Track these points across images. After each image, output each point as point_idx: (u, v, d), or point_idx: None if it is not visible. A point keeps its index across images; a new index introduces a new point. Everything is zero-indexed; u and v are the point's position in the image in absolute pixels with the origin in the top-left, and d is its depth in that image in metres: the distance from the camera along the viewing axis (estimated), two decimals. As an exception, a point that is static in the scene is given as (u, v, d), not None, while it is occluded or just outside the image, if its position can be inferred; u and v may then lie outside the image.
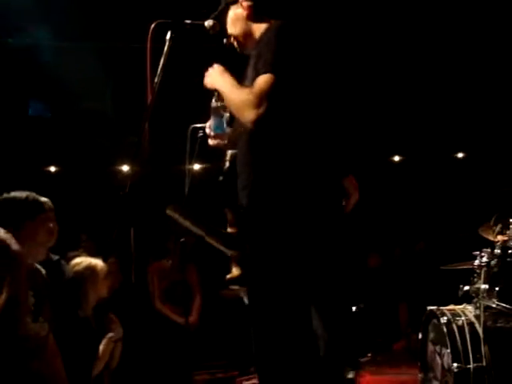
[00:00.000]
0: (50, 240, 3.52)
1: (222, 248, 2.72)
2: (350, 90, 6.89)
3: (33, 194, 3.35)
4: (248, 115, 2.53)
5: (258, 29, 2.80)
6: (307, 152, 2.62)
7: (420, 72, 7.29)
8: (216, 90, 2.77)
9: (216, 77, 2.75)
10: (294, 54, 2.62)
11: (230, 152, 2.84)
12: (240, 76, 2.86)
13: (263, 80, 2.52)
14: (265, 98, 2.50)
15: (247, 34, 2.85)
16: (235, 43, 2.89)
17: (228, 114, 2.82)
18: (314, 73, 2.70)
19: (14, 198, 3.30)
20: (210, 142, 2.87)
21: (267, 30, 2.71)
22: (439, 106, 7.68)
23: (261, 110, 2.49)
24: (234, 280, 2.74)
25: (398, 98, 7.62)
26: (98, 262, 4.12)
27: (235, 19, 2.86)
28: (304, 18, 2.92)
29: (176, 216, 2.60)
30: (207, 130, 2.88)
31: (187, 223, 2.65)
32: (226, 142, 2.84)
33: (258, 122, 2.50)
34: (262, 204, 2.56)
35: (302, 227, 2.53)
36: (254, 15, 2.83)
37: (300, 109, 2.62)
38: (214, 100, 2.83)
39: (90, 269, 4.05)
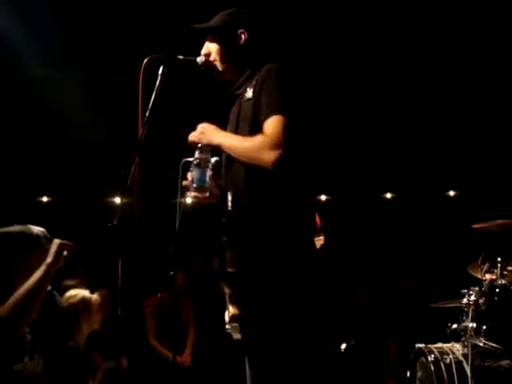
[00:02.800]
0: None
1: (223, 287, 2.73)
2: (338, 125, 6.96)
3: (29, 228, 3.31)
4: (269, 158, 2.55)
5: (244, 64, 2.85)
6: (307, 190, 2.70)
7: (412, 109, 7.35)
8: (198, 145, 2.78)
9: (213, 133, 2.77)
10: (295, 95, 2.68)
11: (230, 193, 2.84)
12: (222, 111, 2.90)
13: (275, 122, 2.58)
14: (282, 139, 2.54)
15: (232, 64, 2.88)
16: (217, 67, 2.90)
17: (211, 168, 2.82)
18: (308, 113, 2.76)
19: (8, 233, 3.26)
20: (191, 194, 2.82)
21: (265, 72, 2.73)
22: (431, 144, 7.74)
23: (281, 151, 2.53)
24: (233, 318, 2.74)
25: (390, 135, 7.67)
26: (92, 295, 4.11)
27: (227, 45, 2.87)
28: (293, 60, 2.96)
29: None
30: (186, 183, 2.85)
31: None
32: (207, 195, 2.80)
33: (280, 162, 2.53)
34: (263, 245, 2.60)
35: (302, 267, 2.58)
36: (247, 50, 2.86)
37: (302, 148, 2.69)
38: (197, 153, 2.82)
39: (85, 302, 4.04)
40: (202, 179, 2.80)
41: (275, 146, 2.54)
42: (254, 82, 2.76)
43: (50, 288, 3.69)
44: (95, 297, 4.11)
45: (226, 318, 2.75)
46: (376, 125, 7.52)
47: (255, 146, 2.60)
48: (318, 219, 2.81)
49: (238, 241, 2.69)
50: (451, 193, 8.80)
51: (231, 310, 2.74)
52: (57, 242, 3.14)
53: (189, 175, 2.86)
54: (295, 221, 2.62)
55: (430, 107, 7.33)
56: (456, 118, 7.42)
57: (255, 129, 2.67)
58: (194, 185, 2.81)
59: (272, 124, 2.57)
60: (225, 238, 2.76)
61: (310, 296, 2.58)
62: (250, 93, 2.74)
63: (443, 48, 6.50)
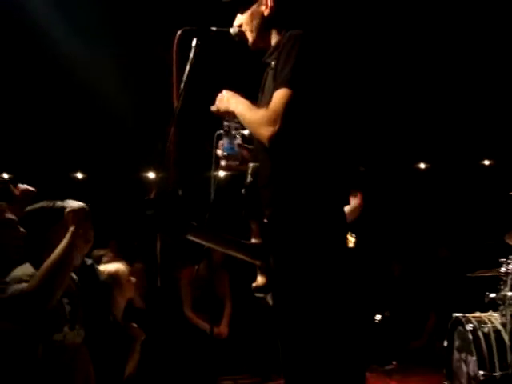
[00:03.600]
0: (85, 246, 3.54)
1: (247, 259, 2.74)
2: (371, 99, 6.89)
3: (52, 201, 3.34)
4: (264, 132, 2.51)
5: (275, 32, 2.79)
6: (328, 166, 2.63)
7: (448, 78, 7.25)
8: (227, 114, 2.77)
9: (229, 100, 2.74)
10: (313, 67, 2.60)
11: (251, 165, 2.84)
12: (258, 85, 2.88)
13: (279, 96, 2.51)
14: (280, 115, 2.48)
15: (261, 32, 2.82)
16: (248, 35, 2.86)
17: (239, 135, 2.82)
18: (332, 85, 2.68)
19: (42, 207, 3.31)
20: (222, 163, 2.83)
21: (286, 39, 2.67)
22: (466, 114, 7.64)
23: (277, 127, 2.48)
24: (260, 288, 2.75)
25: (424, 105, 7.58)
26: (119, 267, 4.15)
27: (255, 14, 2.81)
28: (323, 28, 2.91)
29: (196, 240, 2.62)
30: (219, 152, 2.86)
31: (209, 244, 2.69)
32: (237, 163, 2.81)
33: (274, 138, 2.49)
34: (286, 216, 2.56)
35: (325, 239, 2.54)
36: (273, 17, 2.80)
37: (319, 123, 2.61)
38: (224, 122, 2.82)
39: (113, 276, 4.08)
40: (230, 147, 2.82)
41: (272, 121, 2.49)
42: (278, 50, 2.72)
43: (91, 261, 3.75)
44: (122, 268, 4.15)
45: (253, 287, 2.77)
46: (409, 94, 7.43)
47: (256, 119, 2.58)
48: (359, 199, 2.79)
49: (259, 214, 2.67)
50: (486, 162, 8.68)
51: (258, 280, 2.75)
52: (68, 210, 3.17)
53: (220, 144, 2.86)
54: (319, 194, 2.57)
55: (464, 75, 7.22)
56: (489, 87, 7.31)
57: None
58: (225, 153, 2.82)
59: (276, 98, 2.52)
60: (244, 210, 2.77)
61: (337, 268, 2.54)
62: (273, 62, 2.70)
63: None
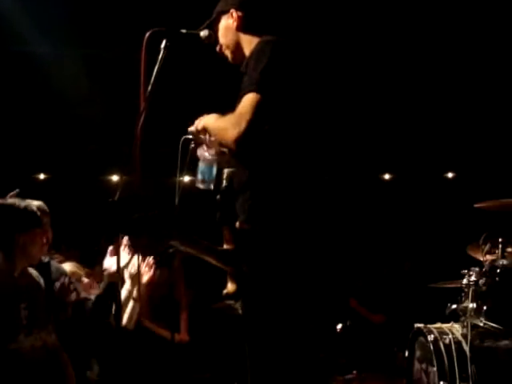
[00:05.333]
0: (44, 251, 3.50)
1: (218, 265, 2.71)
2: (338, 106, 6.92)
3: (30, 205, 3.30)
4: (230, 135, 2.50)
5: (248, 41, 2.79)
6: (299, 171, 2.61)
7: (412, 89, 7.31)
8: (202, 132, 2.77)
9: (201, 118, 2.77)
10: (282, 72, 2.58)
11: (226, 170, 2.82)
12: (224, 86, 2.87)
13: (246, 99, 2.50)
14: (247, 117, 2.47)
15: (236, 45, 2.83)
16: (226, 53, 2.88)
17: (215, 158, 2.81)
18: (301, 91, 2.67)
19: (13, 205, 3.25)
20: (199, 185, 2.82)
21: (256, 46, 2.68)
22: (430, 125, 7.71)
23: (242, 128, 2.46)
24: (230, 295, 2.72)
25: (390, 117, 7.64)
26: (70, 269, 4.07)
27: (225, 29, 2.84)
28: (294, 34, 2.90)
29: (172, 243, 2.60)
30: (198, 176, 2.83)
31: (179, 246, 2.66)
32: (211, 187, 2.79)
33: (240, 140, 2.48)
34: (260, 222, 2.55)
35: (300, 245, 2.53)
36: (243, 27, 2.81)
37: (287, 127, 2.60)
38: (203, 147, 2.81)
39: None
40: (207, 173, 2.82)
41: (237, 124, 2.48)
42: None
43: (47, 259, 3.69)
44: (72, 269, 4.09)
45: (223, 294, 2.74)
46: (375, 104, 7.47)
47: (223, 125, 2.58)
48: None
49: (232, 219, 2.65)
50: (449, 174, 8.78)
51: (229, 287, 2.72)
52: None
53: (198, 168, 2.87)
54: (292, 201, 2.56)
55: (427, 89, 7.29)
56: (453, 98, 7.39)
57: None
58: (200, 177, 2.81)
59: (243, 101, 2.51)
60: (218, 215, 2.74)
61: (310, 274, 2.54)
62: (244, 68, 2.70)
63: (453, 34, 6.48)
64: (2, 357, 2.98)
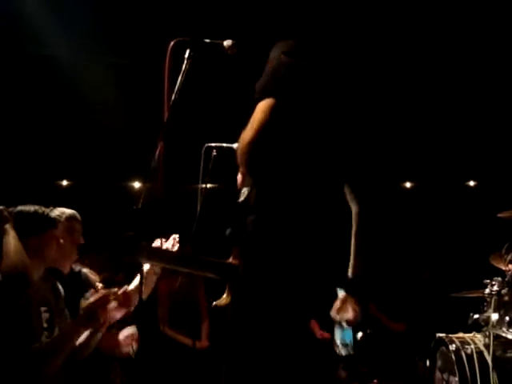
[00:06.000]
0: (71, 255, 3.53)
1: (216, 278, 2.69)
2: (360, 114, 6.90)
3: (42, 208, 3.33)
4: (244, 138, 2.48)
5: None
6: (307, 184, 2.58)
7: (435, 98, 7.29)
8: None
9: None
10: (293, 77, 2.58)
11: (244, 189, 2.83)
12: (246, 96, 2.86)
13: (258, 107, 2.50)
14: (255, 124, 2.45)
15: None
16: None
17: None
18: (315, 98, 2.65)
19: (24, 211, 3.29)
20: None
21: (273, 49, 2.72)
22: (453, 133, 7.68)
23: (256, 132, 2.44)
24: (219, 308, 2.70)
25: (411, 125, 7.61)
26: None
27: None
28: (313, 37, 2.90)
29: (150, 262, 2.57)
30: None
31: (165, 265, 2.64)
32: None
33: (254, 142, 2.45)
34: (261, 246, 2.52)
35: (298, 262, 2.50)
36: None
37: (300, 134, 2.58)
38: None
39: None
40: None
41: (251, 128, 2.46)
42: None
43: (78, 268, 3.72)
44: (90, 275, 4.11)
45: (212, 305, 2.72)
46: (397, 113, 7.46)
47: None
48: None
49: (240, 236, 2.64)
50: (471, 183, 8.73)
51: (222, 299, 2.71)
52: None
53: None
54: (296, 220, 2.52)
55: (453, 95, 7.27)
56: (477, 109, 7.36)
57: None
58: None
59: (257, 109, 2.50)
60: (229, 230, 2.73)
61: (296, 299, 2.51)
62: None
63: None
64: (26, 357, 3.02)
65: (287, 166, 2.54)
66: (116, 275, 4.40)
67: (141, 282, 3.65)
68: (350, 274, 2.71)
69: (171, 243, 3.94)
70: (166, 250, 2.60)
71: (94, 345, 3.35)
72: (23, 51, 6.32)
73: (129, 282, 5.36)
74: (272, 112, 2.46)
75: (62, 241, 3.41)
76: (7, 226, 3.07)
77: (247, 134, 2.46)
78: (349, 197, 2.79)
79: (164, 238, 3.69)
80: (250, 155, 2.45)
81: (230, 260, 2.70)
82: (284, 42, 2.77)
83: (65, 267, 3.54)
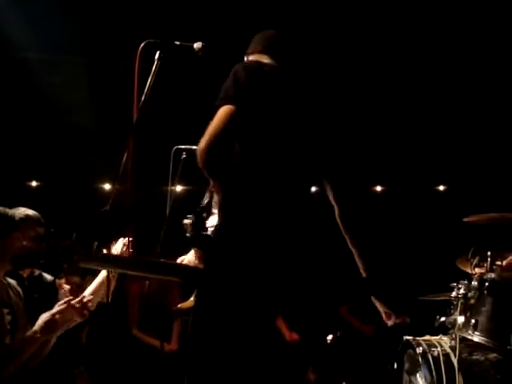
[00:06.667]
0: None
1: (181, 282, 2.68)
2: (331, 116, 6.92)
3: (5, 210, 3.30)
4: (200, 146, 2.47)
5: None
6: (269, 188, 2.57)
7: (403, 101, 7.34)
8: None
9: None
10: (254, 83, 2.56)
11: (207, 194, 2.83)
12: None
13: (217, 114, 2.50)
14: (212, 131, 2.45)
15: None
16: None
17: None
18: (277, 103, 2.63)
19: None
20: None
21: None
22: (423, 137, 7.74)
23: (211, 138, 2.44)
24: (182, 311, 2.68)
25: (381, 128, 7.66)
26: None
27: None
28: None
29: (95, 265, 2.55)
30: None
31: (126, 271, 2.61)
32: None
33: (206, 149, 2.44)
34: (222, 242, 2.52)
35: (262, 265, 2.48)
36: None
37: (262, 140, 2.57)
38: None
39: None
40: None
41: (207, 134, 2.46)
42: None
43: (38, 272, 3.70)
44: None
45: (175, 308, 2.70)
46: (366, 115, 7.49)
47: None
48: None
49: (203, 239, 2.62)
50: (441, 187, 8.82)
51: (186, 302, 2.69)
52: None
53: None
54: (260, 222, 2.52)
55: (421, 101, 7.33)
56: (445, 111, 7.43)
57: None
58: None
59: (216, 115, 2.50)
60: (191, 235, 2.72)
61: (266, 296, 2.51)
62: None
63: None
64: None
65: (247, 171, 2.54)
66: (83, 279, 4.37)
67: (108, 285, 3.66)
68: (363, 275, 2.75)
69: (120, 246, 3.93)
70: (123, 256, 2.58)
71: (46, 353, 3.31)
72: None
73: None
74: (231, 119, 2.46)
75: (24, 243, 3.38)
76: None
77: (203, 140, 2.45)
78: (330, 197, 2.80)
79: (114, 240, 3.69)
80: (206, 162, 2.44)
81: (196, 263, 2.69)
82: (259, 36, 2.76)
83: (24, 270, 3.51)
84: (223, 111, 2.48)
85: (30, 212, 3.53)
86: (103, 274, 3.73)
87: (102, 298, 3.92)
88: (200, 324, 2.47)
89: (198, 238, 2.56)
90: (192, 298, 2.65)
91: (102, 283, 3.82)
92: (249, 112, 2.50)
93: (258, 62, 2.64)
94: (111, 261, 2.57)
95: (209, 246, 2.54)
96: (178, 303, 5.99)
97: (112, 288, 4.01)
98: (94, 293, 3.82)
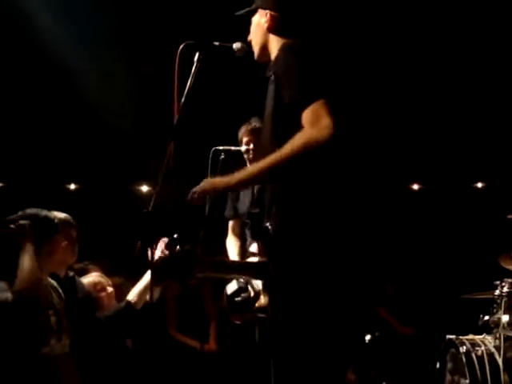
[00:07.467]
0: (71, 259, 3.55)
1: (251, 279, 2.70)
2: (368, 114, 6.89)
3: (45, 213, 3.35)
4: (321, 136, 2.41)
5: (276, 44, 2.77)
6: (339, 178, 2.59)
7: (443, 98, 7.27)
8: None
9: (215, 180, 2.71)
10: (319, 74, 2.56)
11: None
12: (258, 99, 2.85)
13: (316, 108, 2.45)
14: (325, 114, 2.43)
15: (264, 45, 2.82)
16: (254, 49, 2.87)
17: None
18: (336, 94, 2.62)
19: (35, 215, 3.30)
20: None
21: (282, 52, 2.66)
22: (460, 135, 7.65)
23: (332, 126, 2.40)
24: (262, 309, 2.71)
25: (418, 126, 7.59)
26: (92, 280, 4.10)
27: (257, 26, 2.83)
28: (324, 38, 2.88)
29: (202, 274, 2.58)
30: None
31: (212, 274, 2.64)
32: None
33: (333, 129, 2.40)
34: (289, 232, 2.51)
35: (330, 256, 2.49)
36: (274, 29, 2.78)
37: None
38: None
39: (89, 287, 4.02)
40: None
41: (320, 126, 2.41)
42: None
43: (72, 274, 3.74)
44: (95, 280, 4.11)
45: (255, 307, 2.72)
46: (403, 113, 7.43)
47: (300, 140, 2.44)
48: None
49: (265, 230, 2.62)
50: (479, 184, 8.70)
51: (261, 300, 2.71)
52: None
53: None
54: (328, 212, 2.52)
55: (460, 96, 7.24)
56: (484, 108, 7.33)
57: (278, 113, 2.59)
58: None
59: (310, 112, 2.45)
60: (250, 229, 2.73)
61: (337, 285, 2.50)
62: (271, 72, 2.67)
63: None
64: (36, 360, 3.04)
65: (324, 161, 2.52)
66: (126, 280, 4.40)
67: (151, 288, 3.69)
68: None
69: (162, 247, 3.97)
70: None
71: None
72: (31, 54, 6.32)
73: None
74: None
75: (64, 244, 3.42)
76: (27, 244, 3.11)
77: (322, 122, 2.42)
78: None
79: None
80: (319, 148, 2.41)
81: (258, 259, 2.70)
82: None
83: (62, 271, 3.55)
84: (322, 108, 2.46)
85: (63, 215, 3.57)
86: (147, 277, 3.76)
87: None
88: (284, 318, 2.48)
89: (260, 231, 2.58)
90: (262, 297, 2.66)
91: (146, 287, 3.85)
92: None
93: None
94: (222, 267, 2.60)
95: (269, 238, 2.54)
96: (212, 304, 6.05)
97: (159, 291, 4.05)
98: (139, 295, 3.87)
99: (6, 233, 3.15)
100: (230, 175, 2.64)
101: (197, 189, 2.70)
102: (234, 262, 2.69)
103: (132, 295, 3.88)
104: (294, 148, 2.43)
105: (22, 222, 3.16)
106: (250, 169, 2.60)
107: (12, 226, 3.14)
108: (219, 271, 2.61)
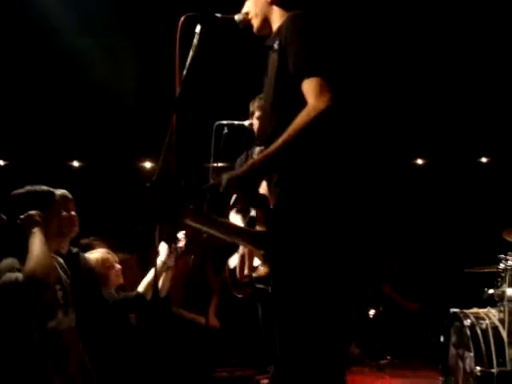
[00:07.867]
0: (70, 231, 3.54)
1: (250, 247, 2.67)
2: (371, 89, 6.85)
3: (42, 187, 3.35)
4: (320, 107, 2.36)
5: (278, 16, 2.71)
6: (341, 151, 2.55)
7: (446, 73, 7.22)
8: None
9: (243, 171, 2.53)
10: (325, 45, 2.51)
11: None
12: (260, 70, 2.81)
13: (315, 84, 2.41)
14: (325, 89, 2.38)
15: (265, 17, 2.76)
16: (253, 21, 2.80)
17: None
18: (342, 66, 2.58)
19: (27, 192, 3.31)
20: None
21: (288, 21, 2.59)
22: (464, 111, 7.61)
23: (330, 97, 2.37)
24: (261, 279, 2.69)
25: (422, 102, 7.56)
26: (100, 255, 4.11)
27: None
28: (328, 10, 2.82)
29: (194, 224, 2.52)
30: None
31: (209, 229, 2.59)
32: None
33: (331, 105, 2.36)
34: (292, 201, 2.49)
35: (333, 226, 2.45)
36: (278, 0, 2.73)
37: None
38: None
39: (95, 263, 4.03)
40: None
41: (320, 98, 2.37)
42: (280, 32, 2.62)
43: (76, 250, 3.74)
44: (103, 256, 4.13)
45: (253, 277, 2.70)
46: (406, 88, 7.39)
47: (307, 115, 2.39)
48: None
49: (264, 198, 2.60)
50: (483, 159, 8.68)
51: (260, 270, 2.68)
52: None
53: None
54: (332, 183, 2.49)
55: (462, 71, 7.20)
56: (489, 84, 7.29)
57: (281, 81, 2.55)
58: None
59: (311, 87, 2.41)
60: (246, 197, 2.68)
61: (340, 258, 2.48)
62: (276, 43, 2.61)
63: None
64: (43, 334, 3.05)
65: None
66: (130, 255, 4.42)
67: (155, 276, 3.74)
68: None
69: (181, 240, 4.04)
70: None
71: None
72: (34, 32, 6.29)
73: (143, 263, 5.39)
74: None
75: (61, 216, 3.42)
76: (36, 230, 3.12)
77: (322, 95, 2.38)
78: None
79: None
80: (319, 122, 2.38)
81: (257, 228, 2.66)
82: None
83: (63, 247, 3.55)
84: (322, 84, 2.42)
85: (59, 191, 3.56)
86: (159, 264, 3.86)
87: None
88: (288, 292, 2.46)
89: (257, 199, 2.55)
90: (261, 267, 2.63)
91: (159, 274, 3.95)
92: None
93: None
94: (213, 222, 2.54)
95: (267, 206, 2.53)
96: (214, 280, 6.06)
97: (169, 278, 4.10)
98: (149, 286, 3.94)
99: (16, 225, 3.18)
100: (245, 164, 2.59)
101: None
102: (232, 224, 2.65)
103: (142, 287, 3.95)
104: (304, 122, 2.39)
105: (30, 212, 3.18)
106: (266, 152, 2.55)
107: (21, 216, 3.16)
108: (213, 227, 2.54)
